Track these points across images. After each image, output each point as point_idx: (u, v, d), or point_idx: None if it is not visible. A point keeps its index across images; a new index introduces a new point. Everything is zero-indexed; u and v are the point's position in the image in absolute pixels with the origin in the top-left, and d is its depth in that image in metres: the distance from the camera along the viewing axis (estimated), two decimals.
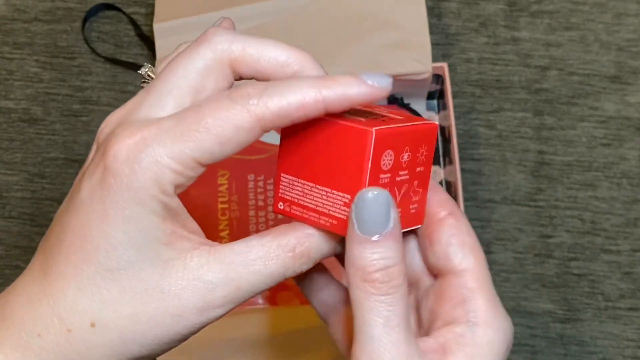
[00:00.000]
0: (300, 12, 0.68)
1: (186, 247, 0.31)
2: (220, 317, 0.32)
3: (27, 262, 0.65)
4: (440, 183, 0.69)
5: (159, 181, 0.30)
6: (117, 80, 0.74)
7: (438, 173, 0.69)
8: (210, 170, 0.69)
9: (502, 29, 0.74)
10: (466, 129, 0.71)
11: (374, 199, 0.31)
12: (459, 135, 0.71)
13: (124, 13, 0.75)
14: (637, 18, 0.74)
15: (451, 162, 0.66)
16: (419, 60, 0.66)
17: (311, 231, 0.33)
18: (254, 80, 0.33)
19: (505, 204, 0.69)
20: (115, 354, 0.31)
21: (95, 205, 0.31)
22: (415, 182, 0.34)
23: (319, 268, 0.39)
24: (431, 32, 0.72)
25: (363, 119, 0.32)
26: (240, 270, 0.31)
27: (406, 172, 0.33)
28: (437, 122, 0.37)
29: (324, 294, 0.39)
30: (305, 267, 0.33)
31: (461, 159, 0.70)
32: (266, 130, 0.31)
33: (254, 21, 0.68)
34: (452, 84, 0.72)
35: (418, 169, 0.34)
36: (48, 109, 0.74)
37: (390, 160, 0.32)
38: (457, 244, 0.35)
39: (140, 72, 0.37)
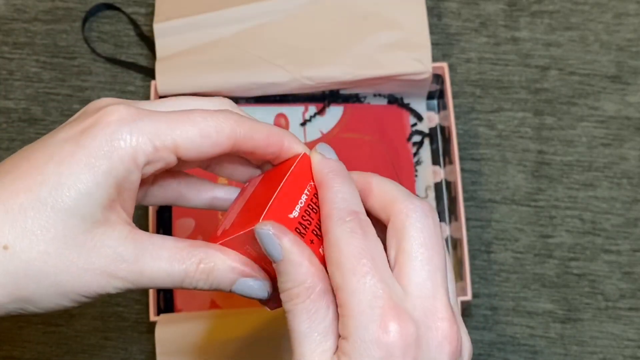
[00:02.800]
0: (300, 12, 0.68)
1: (114, 219, 0.34)
2: (116, 291, 0.34)
3: None
4: (440, 183, 0.69)
5: (135, 149, 0.33)
6: (117, 80, 0.74)
7: (438, 173, 0.69)
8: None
9: (502, 29, 0.74)
10: (466, 129, 0.71)
11: (262, 235, 0.34)
12: (459, 135, 0.71)
13: (124, 13, 0.75)
14: (637, 18, 0.74)
15: (451, 162, 0.66)
16: (419, 60, 0.66)
17: (223, 257, 0.35)
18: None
19: (505, 204, 0.69)
20: (11, 283, 0.32)
21: (66, 146, 0.33)
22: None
23: None
24: (431, 32, 0.72)
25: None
26: (148, 258, 0.34)
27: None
28: (305, 152, 0.37)
29: None
30: (201, 285, 0.35)
31: (461, 159, 0.70)
32: (235, 148, 0.35)
33: (254, 21, 0.68)
34: (452, 84, 0.72)
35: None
36: (48, 109, 0.74)
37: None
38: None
39: None
